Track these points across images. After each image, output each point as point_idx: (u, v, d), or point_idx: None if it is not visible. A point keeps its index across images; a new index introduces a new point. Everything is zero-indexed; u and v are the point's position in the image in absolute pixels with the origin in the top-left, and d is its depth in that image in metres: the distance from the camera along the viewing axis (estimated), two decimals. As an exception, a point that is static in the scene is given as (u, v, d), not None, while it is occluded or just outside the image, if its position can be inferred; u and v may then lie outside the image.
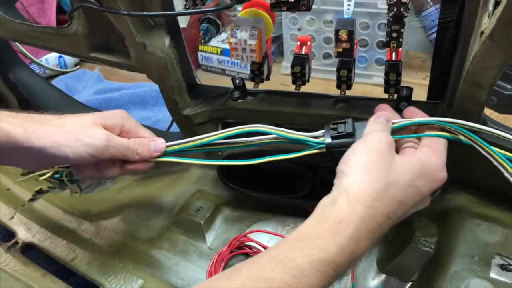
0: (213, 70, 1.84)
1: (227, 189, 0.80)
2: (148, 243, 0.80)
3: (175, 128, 0.89)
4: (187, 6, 0.64)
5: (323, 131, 0.59)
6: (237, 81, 0.76)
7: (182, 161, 0.66)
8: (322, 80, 1.56)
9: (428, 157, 0.51)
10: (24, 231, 0.85)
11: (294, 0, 0.58)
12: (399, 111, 0.66)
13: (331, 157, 0.57)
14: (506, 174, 0.51)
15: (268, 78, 0.74)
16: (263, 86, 0.75)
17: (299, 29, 1.68)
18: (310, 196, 0.74)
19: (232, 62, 1.76)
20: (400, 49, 0.63)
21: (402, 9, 0.56)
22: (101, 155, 0.60)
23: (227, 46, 0.66)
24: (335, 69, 0.67)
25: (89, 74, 1.82)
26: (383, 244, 0.71)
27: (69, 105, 1.11)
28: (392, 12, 0.57)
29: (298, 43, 0.72)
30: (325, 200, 0.47)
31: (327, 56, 1.68)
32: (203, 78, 0.86)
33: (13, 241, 0.84)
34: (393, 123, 0.56)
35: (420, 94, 0.71)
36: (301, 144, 0.60)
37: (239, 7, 0.67)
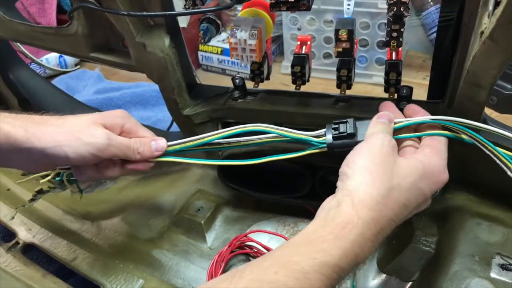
0: (214, 70, 1.84)
1: (227, 189, 0.80)
2: (149, 243, 0.80)
3: (175, 128, 0.89)
4: (186, 6, 0.64)
5: (324, 130, 0.59)
6: (237, 80, 0.76)
7: (183, 161, 0.66)
8: (322, 80, 1.56)
9: (430, 158, 0.51)
10: (25, 232, 0.85)
11: (294, 0, 0.57)
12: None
13: (332, 157, 0.57)
14: (509, 173, 0.51)
15: (268, 78, 0.74)
16: (263, 86, 0.75)
17: (299, 29, 1.68)
18: (310, 196, 0.74)
19: (233, 61, 1.76)
20: (400, 49, 0.63)
21: (402, 9, 0.56)
22: (102, 154, 0.60)
23: (227, 45, 0.66)
24: (335, 68, 0.67)
25: (89, 74, 1.82)
26: (383, 243, 0.71)
27: (69, 104, 1.11)
28: (392, 12, 0.57)
29: (298, 42, 0.72)
30: (329, 203, 0.47)
31: (327, 55, 1.68)
32: (203, 78, 0.86)
33: (13, 241, 0.84)
34: (395, 123, 0.56)
35: (420, 93, 0.71)
36: (302, 144, 0.60)
37: (239, 7, 0.67)
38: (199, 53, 1.83)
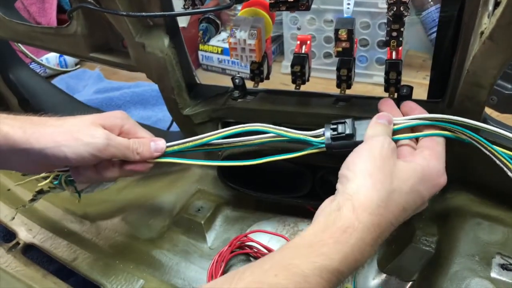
0: (214, 70, 1.84)
1: (227, 189, 0.80)
2: (149, 243, 0.80)
3: (175, 127, 0.89)
4: (186, 6, 0.64)
5: (323, 129, 0.58)
6: (237, 80, 0.75)
7: (182, 162, 0.66)
8: (322, 79, 1.56)
9: (429, 161, 0.51)
10: (25, 232, 0.85)
11: (293, 0, 0.57)
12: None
13: (332, 157, 0.57)
14: (509, 173, 0.51)
15: (268, 78, 0.74)
16: (263, 85, 0.74)
17: (298, 28, 1.68)
18: (310, 196, 0.74)
19: (233, 61, 1.76)
20: (400, 48, 0.63)
21: (402, 8, 0.56)
22: (101, 154, 0.60)
23: (227, 45, 0.66)
24: (335, 68, 0.67)
25: (89, 73, 1.82)
26: (383, 244, 0.71)
27: (69, 104, 1.11)
28: (392, 11, 0.57)
29: (298, 42, 0.72)
30: (330, 206, 0.47)
31: (327, 55, 1.68)
32: (204, 78, 0.86)
33: (14, 241, 0.84)
34: (394, 124, 0.56)
35: (420, 93, 0.71)
36: (301, 144, 0.60)
37: (239, 7, 0.67)
38: (199, 52, 1.83)
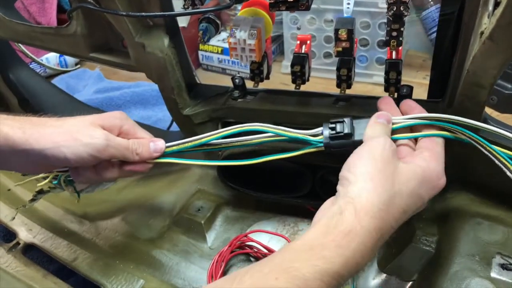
0: (214, 69, 1.84)
1: (227, 188, 0.80)
2: (149, 243, 0.80)
3: (175, 127, 0.89)
4: (185, 6, 0.64)
5: (321, 128, 0.58)
6: (237, 80, 0.75)
7: (181, 162, 0.66)
8: (322, 79, 1.56)
9: (429, 163, 0.51)
10: (25, 232, 0.85)
11: (293, 0, 0.57)
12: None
13: (332, 157, 0.57)
14: (508, 173, 0.51)
15: (268, 77, 0.74)
16: (263, 85, 0.74)
17: (298, 28, 1.68)
18: (311, 196, 0.74)
19: (233, 61, 1.76)
20: (400, 48, 0.63)
21: (402, 8, 0.56)
22: (100, 155, 0.60)
23: (227, 45, 0.66)
24: (335, 68, 0.67)
25: (89, 73, 1.82)
26: (383, 244, 0.71)
27: (69, 104, 1.11)
28: (392, 11, 0.57)
29: (298, 42, 0.72)
30: (331, 209, 0.47)
31: (327, 55, 1.68)
32: (204, 77, 0.86)
33: (14, 241, 0.85)
34: (393, 123, 0.56)
35: (421, 93, 0.71)
36: (299, 143, 0.60)
37: (239, 7, 0.67)
38: (199, 52, 1.83)
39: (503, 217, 0.66)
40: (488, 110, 0.63)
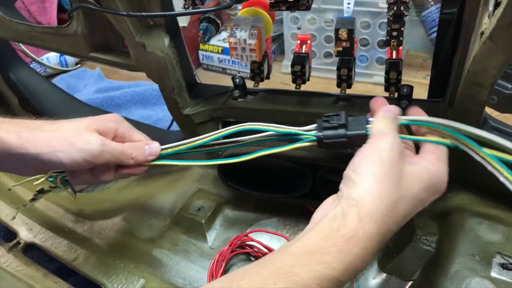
0: (214, 69, 1.84)
1: (228, 188, 0.80)
2: (149, 243, 0.80)
3: (175, 127, 0.89)
4: (186, 6, 0.64)
5: (316, 125, 0.57)
6: (237, 80, 0.75)
7: (176, 163, 0.66)
8: (322, 79, 1.56)
9: (436, 166, 0.49)
10: (26, 231, 0.86)
11: (293, 0, 0.57)
12: (400, 110, 0.66)
13: (330, 156, 0.56)
14: (501, 178, 0.50)
15: (268, 77, 0.74)
16: (263, 85, 0.74)
17: (299, 28, 1.68)
18: (311, 195, 0.74)
19: (233, 61, 1.75)
20: (400, 48, 0.63)
21: (402, 8, 0.56)
22: (95, 160, 0.60)
23: (227, 45, 0.66)
24: (335, 68, 0.67)
25: (90, 73, 1.82)
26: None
27: (69, 104, 1.11)
28: (392, 11, 0.57)
29: (298, 41, 0.72)
30: (333, 211, 0.45)
31: (327, 55, 1.68)
32: (204, 77, 0.86)
33: (15, 241, 0.85)
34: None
35: (421, 93, 0.71)
36: (293, 139, 0.59)
37: (239, 6, 0.67)
38: (200, 52, 1.83)
39: (503, 216, 0.66)
40: (488, 110, 0.63)
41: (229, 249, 0.74)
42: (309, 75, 0.72)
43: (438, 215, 0.69)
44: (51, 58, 1.87)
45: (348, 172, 0.48)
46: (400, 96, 0.67)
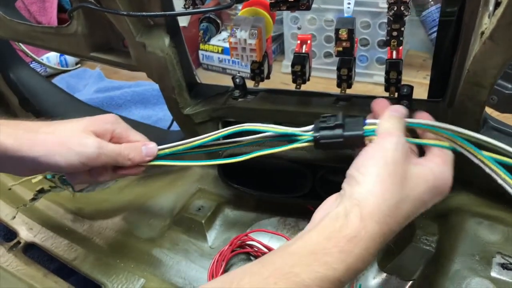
0: (214, 69, 1.84)
1: (228, 188, 0.80)
2: (149, 243, 0.80)
3: (175, 127, 0.89)
4: (186, 6, 0.64)
5: (313, 126, 0.57)
6: (237, 80, 0.76)
7: (174, 164, 0.66)
8: (322, 79, 1.56)
9: (441, 168, 0.49)
10: (26, 231, 0.86)
11: (294, 0, 0.57)
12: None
13: (330, 155, 0.55)
14: (499, 181, 0.49)
15: (268, 77, 0.74)
16: (263, 85, 0.75)
17: (299, 28, 1.68)
18: (311, 195, 0.74)
19: (233, 61, 1.75)
20: (400, 48, 0.63)
21: (402, 8, 0.56)
22: (92, 163, 0.61)
23: (228, 45, 0.66)
24: (335, 68, 0.67)
25: (90, 73, 1.82)
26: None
27: (70, 103, 1.11)
28: (393, 11, 0.57)
29: (299, 41, 0.72)
30: (336, 210, 0.45)
31: (328, 55, 1.68)
32: (204, 77, 0.86)
33: (15, 240, 0.85)
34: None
35: (421, 93, 0.71)
36: (291, 139, 0.58)
37: (239, 6, 0.67)
38: (200, 52, 1.83)
39: (503, 216, 0.66)
40: (488, 110, 0.63)
41: (229, 248, 0.74)
42: (309, 75, 0.72)
43: (438, 215, 0.69)
44: (51, 58, 1.87)
45: (352, 171, 0.47)
46: (400, 96, 0.67)
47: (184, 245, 0.79)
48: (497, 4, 0.47)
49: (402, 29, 0.59)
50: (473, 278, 0.60)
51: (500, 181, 0.49)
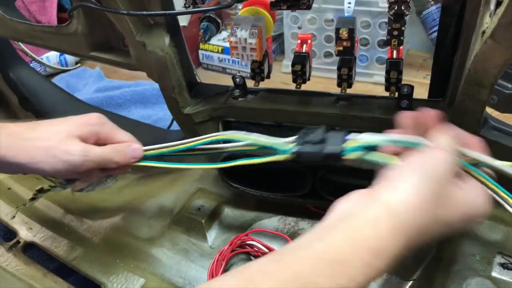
0: (214, 69, 1.84)
1: (228, 187, 0.80)
2: (149, 242, 0.80)
3: (175, 126, 0.89)
4: (186, 5, 0.64)
5: (296, 137, 0.57)
6: (237, 79, 0.75)
7: (160, 166, 0.66)
8: (322, 79, 1.56)
9: (480, 200, 0.46)
10: (26, 231, 0.85)
11: (294, -1, 0.57)
12: (401, 109, 0.66)
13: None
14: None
15: (268, 77, 0.74)
16: (263, 85, 0.74)
17: (299, 28, 1.68)
18: (311, 195, 0.74)
19: (233, 60, 1.75)
20: (401, 47, 0.63)
21: (403, 7, 0.56)
22: (78, 169, 0.61)
23: (228, 44, 0.66)
24: (335, 67, 0.67)
25: (90, 72, 1.82)
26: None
27: (69, 103, 1.11)
28: (393, 10, 0.57)
29: (299, 41, 0.72)
30: (365, 213, 0.42)
31: (328, 54, 1.68)
32: (204, 77, 0.86)
33: (14, 240, 0.85)
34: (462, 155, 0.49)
35: (421, 93, 0.71)
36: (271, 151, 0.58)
37: (240, 5, 0.67)
38: (200, 51, 1.83)
39: (504, 216, 0.66)
40: (488, 110, 0.63)
41: (229, 248, 0.74)
42: (309, 75, 0.72)
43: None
44: (51, 57, 1.87)
45: (391, 174, 0.44)
46: (401, 96, 0.67)
47: (184, 244, 0.79)
48: (499, 3, 0.47)
49: (403, 28, 0.59)
50: (474, 278, 0.60)
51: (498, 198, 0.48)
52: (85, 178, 0.65)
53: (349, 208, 0.44)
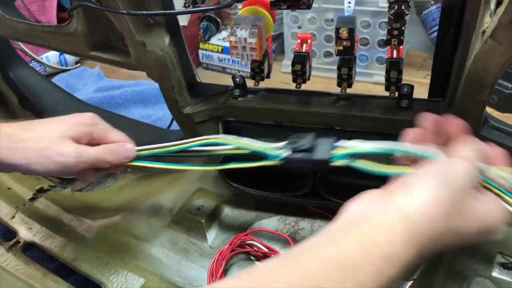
0: (214, 68, 1.84)
1: (228, 187, 0.79)
2: (149, 242, 0.80)
3: (175, 126, 0.89)
4: (186, 5, 0.64)
5: (285, 143, 0.57)
6: (237, 79, 0.75)
7: (153, 166, 0.66)
8: (322, 79, 1.56)
9: (496, 214, 0.45)
10: (25, 230, 0.85)
11: (294, -2, 0.57)
12: (401, 109, 0.66)
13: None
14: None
15: (268, 76, 0.74)
16: (263, 84, 0.74)
17: (299, 27, 1.68)
18: (311, 195, 0.73)
19: (233, 60, 1.75)
20: (401, 47, 0.63)
21: (403, 7, 0.56)
22: (72, 170, 0.62)
23: (227, 44, 0.66)
24: (335, 67, 0.67)
25: (89, 72, 1.82)
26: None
27: (69, 103, 1.11)
28: (393, 10, 0.57)
29: (299, 41, 0.72)
30: (379, 216, 0.41)
31: (328, 54, 1.68)
32: (204, 76, 0.86)
33: (14, 240, 0.84)
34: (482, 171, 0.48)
35: (421, 92, 0.71)
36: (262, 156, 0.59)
37: (240, 5, 0.67)
38: (200, 51, 1.83)
39: (503, 216, 0.66)
40: (488, 110, 0.63)
41: (229, 248, 0.74)
42: (309, 74, 0.72)
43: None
44: (51, 57, 1.87)
45: (410, 180, 0.43)
46: (401, 96, 0.67)
47: (184, 244, 0.79)
48: (499, 3, 0.47)
49: (403, 28, 0.59)
50: (474, 278, 0.60)
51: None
52: (79, 177, 0.65)
53: (362, 211, 0.43)
